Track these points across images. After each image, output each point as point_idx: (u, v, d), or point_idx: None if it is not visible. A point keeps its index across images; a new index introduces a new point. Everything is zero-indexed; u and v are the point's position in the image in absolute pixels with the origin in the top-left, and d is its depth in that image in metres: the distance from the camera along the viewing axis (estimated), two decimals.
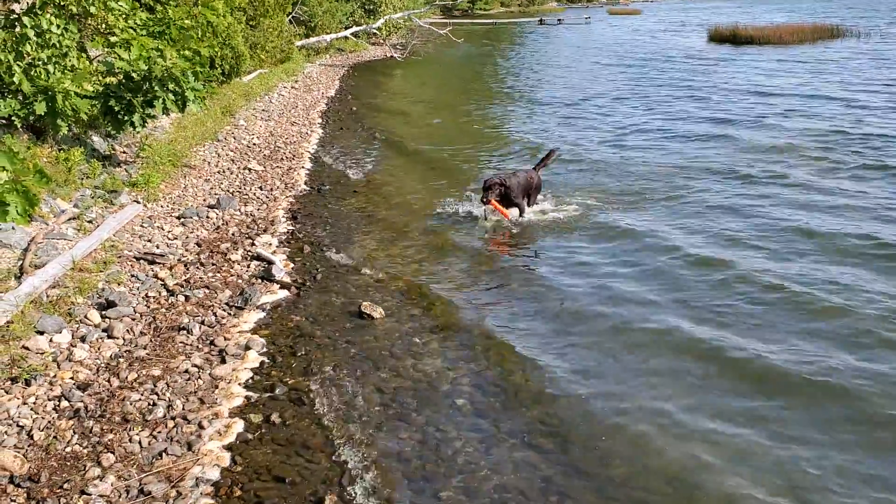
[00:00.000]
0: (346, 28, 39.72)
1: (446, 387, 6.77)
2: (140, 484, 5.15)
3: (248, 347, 7.23)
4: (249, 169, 14.11)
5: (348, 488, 5.29)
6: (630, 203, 12.08)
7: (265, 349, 7.26)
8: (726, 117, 19.22)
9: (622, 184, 13.31)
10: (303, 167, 15.02)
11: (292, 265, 9.58)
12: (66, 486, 5.06)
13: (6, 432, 5.52)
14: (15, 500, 4.87)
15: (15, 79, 10.13)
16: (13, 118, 10.28)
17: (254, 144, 16.20)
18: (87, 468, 5.25)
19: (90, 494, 4.98)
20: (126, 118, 11.16)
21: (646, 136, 17.74)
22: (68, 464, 5.30)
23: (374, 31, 42.52)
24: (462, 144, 17.54)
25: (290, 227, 11.14)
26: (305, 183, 13.87)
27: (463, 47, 44.41)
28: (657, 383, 6.74)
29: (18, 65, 10.29)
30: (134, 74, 11.02)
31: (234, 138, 16.34)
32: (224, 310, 8.03)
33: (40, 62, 10.73)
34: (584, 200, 12.11)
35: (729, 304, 8.20)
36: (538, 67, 35.32)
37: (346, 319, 8.09)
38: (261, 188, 13.03)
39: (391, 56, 38.53)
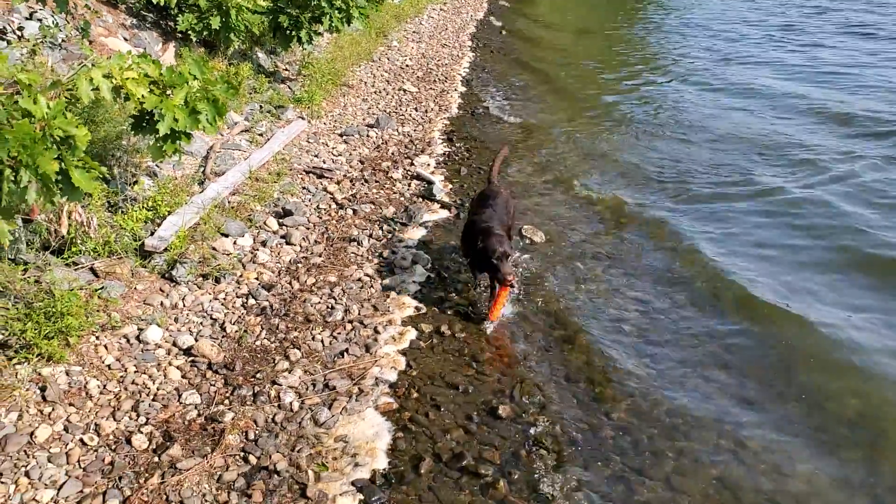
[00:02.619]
0: None
1: (612, 311, 6.74)
2: (325, 379, 5.45)
3: (414, 262, 7.42)
4: (404, 90, 14.25)
5: (520, 400, 5.40)
6: None
7: (430, 265, 7.43)
8: None
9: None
10: (455, 90, 15.03)
11: (450, 186, 9.68)
12: (258, 375, 5.41)
13: (202, 324, 5.94)
14: (214, 385, 5.26)
15: None
16: (189, 32, 10.74)
17: (407, 66, 16.31)
18: (276, 361, 5.60)
19: (280, 385, 5.32)
20: (293, 34, 11.46)
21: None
22: (259, 356, 5.66)
23: None
24: (610, 75, 17.05)
25: (447, 149, 11.22)
26: (459, 106, 13.89)
27: None
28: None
29: None
30: None
31: (388, 59, 16.48)
32: (389, 225, 8.24)
33: None
34: None
35: None
36: None
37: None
38: (416, 109, 13.15)
39: None
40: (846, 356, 6.06)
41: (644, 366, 5.95)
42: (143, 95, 5.05)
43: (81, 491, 4.12)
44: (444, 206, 8.98)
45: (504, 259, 6.19)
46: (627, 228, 8.60)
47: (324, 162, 9.83)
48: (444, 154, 11.01)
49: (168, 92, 5.23)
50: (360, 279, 6.95)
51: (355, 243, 7.66)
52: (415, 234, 8.16)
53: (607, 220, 8.84)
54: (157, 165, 7.76)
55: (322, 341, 5.92)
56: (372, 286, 6.87)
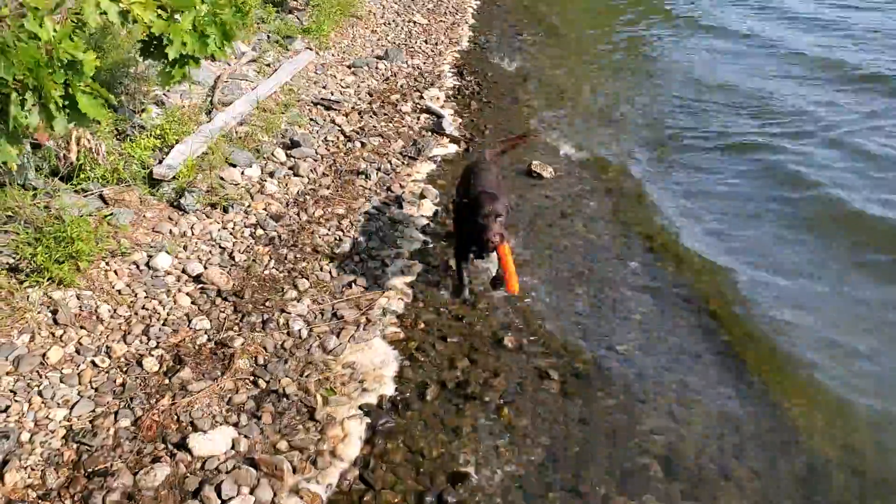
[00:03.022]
0: None
1: (619, 249, 6.75)
2: (333, 308, 5.50)
3: (422, 196, 7.41)
4: (414, 22, 14.02)
5: (526, 333, 5.46)
6: None
7: (438, 199, 7.41)
8: None
9: None
10: (466, 22, 14.81)
11: (460, 120, 9.60)
12: (267, 303, 5.46)
13: (211, 252, 5.96)
14: (223, 311, 5.31)
15: None
16: None
17: None
18: (284, 290, 5.64)
19: (289, 313, 5.37)
20: None
21: None
22: (267, 285, 5.70)
23: None
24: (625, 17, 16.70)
25: (456, 83, 11.09)
26: (469, 39, 13.68)
27: None
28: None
29: None
30: None
31: None
32: (398, 159, 8.20)
33: None
34: None
35: None
36: None
37: (516, 177, 8.12)
38: (426, 41, 12.96)
39: None
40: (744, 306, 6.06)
41: (649, 302, 5.99)
42: (150, 20, 4.97)
43: (93, 410, 4.21)
44: (453, 140, 8.92)
45: (493, 218, 5.17)
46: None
47: (332, 94, 9.73)
48: (453, 87, 10.89)
49: (176, 16, 5.15)
50: (367, 212, 6.95)
51: (363, 176, 7.63)
52: (423, 168, 8.12)
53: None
54: (164, 94, 7.69)
55: (330, 272, 5.95)
56: (380, 219, 6.87)
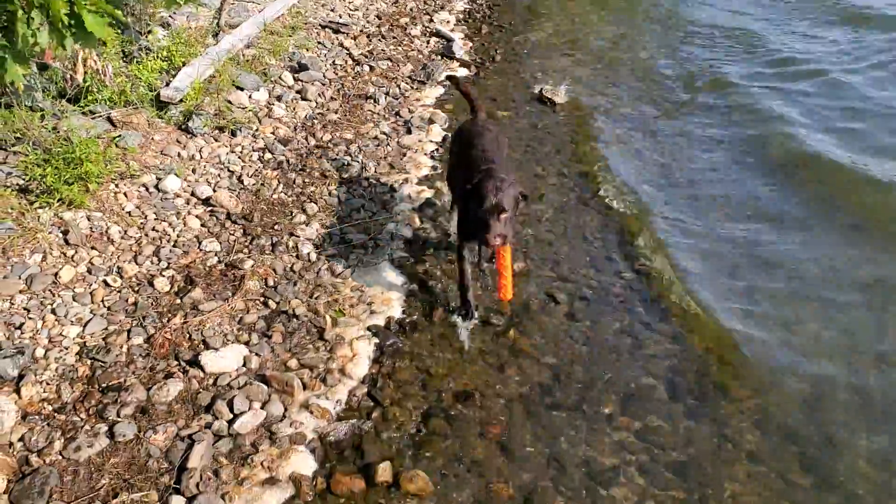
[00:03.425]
0: None
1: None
2: (341, 233, 5.52)
3: (431, 121, 7.35)
4: None
5: (534, 257, 5.48)
6: None
7: (448, 124, 7.35)
8: None
9: None
10: None
11: (470, 45, 9.45)
12: (276, 227, 5.48)
13: (219, 175, 5.96)
14: (233, 234, 5.34)
15: None
16: None
17: None
18: (293, 214, 5.66)
19: (298, 237, 5.39)
20: None
21: None
22: (276, 209, 5.72)
23: None
24: None
25: (467, 6, 10.88)
26: None
27: None
28: None
29: None
30: None
31: None
32: (407, 83, 8.10)
33: None
34: None
35: None
36: None
37: (527, 102, 8.03)
38: None
39: None
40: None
41: (660, 227, 5.99)
42: None
43: (106, 328, 4.28)
44: (463, 64, 8.80)
45: (497, 215, 4.23)
46: None
47: (340, 16, 9.57)
48: (464, 11, 10.71)
49: None
50: (376, 137, 6.91)
51: (371, 100, 7.56)
52: (432, 92, 8.04)
53: None
54: (170, 16, 7.58)
55: (338, 197, 5.95)
56: (388, 144, 6.84)
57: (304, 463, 3.68)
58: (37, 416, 3.64)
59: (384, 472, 3.68)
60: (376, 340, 4.58)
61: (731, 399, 4.36)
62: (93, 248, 4.86)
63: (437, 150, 6.88)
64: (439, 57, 8.89)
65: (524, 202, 4.49)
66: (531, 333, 4.75)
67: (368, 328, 4.67)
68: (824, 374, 4.61)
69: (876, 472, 3.94)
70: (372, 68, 8.29)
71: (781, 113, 8.03)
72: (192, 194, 5.63)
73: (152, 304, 4.53)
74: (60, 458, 3.46)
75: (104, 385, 3.89)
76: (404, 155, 6.69)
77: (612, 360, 4.61)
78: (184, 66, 6.70)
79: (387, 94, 7.77)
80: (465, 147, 5.00)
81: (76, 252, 4.77)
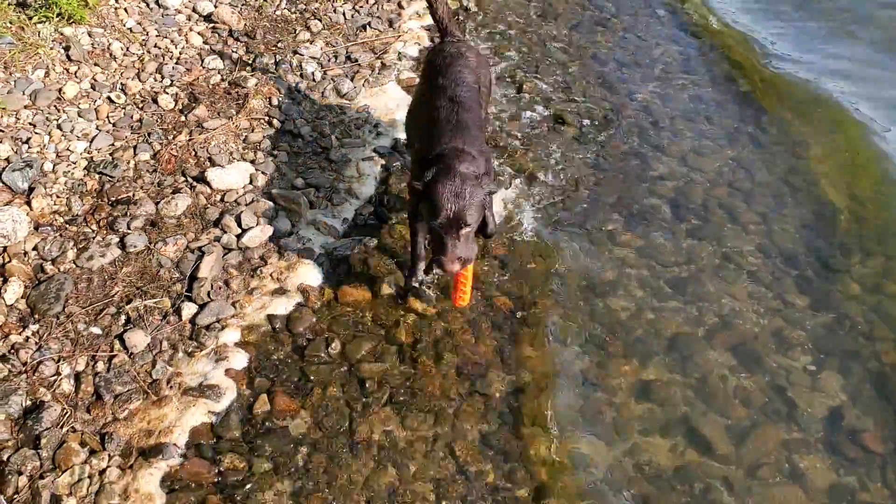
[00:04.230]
0: None
1: None
2: (347, 51, 5.38)
3: None
4: None
5: (544, 79, 5.36)
6: None
7: None
8: None
9: None
10: None
11: None
12: (279, 44, 5.34)
13: None
14: (235, 52, 5.21)
15: None
16: None
17: None
18: (297, 32, 5.49)
19: (302, 55, 5.26)
20: None
21: None
22: (279, 26, 5.55)
23: None
24: None
25: None
26: None
27: None
28: None
29: None
30: None
31: None
32: None
33: None
34: None
35: None
36: None
37: None
38: None
39: None
40: None
41: (674, 52, 5.80)
42: None
43: (112, 144, 4.27)
44: None
45: (456, 229, 3.08)
46: None
47: None
48: None
49: None
50: None
51: None
52: None
53: None
54: None
55: (344, 14, 5.75)
56: None
57: (311, 275, 3.78)
58: (49, 227, 3.72)
59: (389, 286, 3.78)
60: (382, 161, 4.57)
61: (738, 223, 4.39)
62: (95, 64, 4.78)
63: None
64: None
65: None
66: (538, 153, 4.72)
67: (374, 149, 4.65)
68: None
69: (868, 295, 4.02)
70: None
71: None
72: (194, 10, 5.45)
73: (157, 120, 4.50)
74: (74, 266, 3.56)
75: (113, 199, 3.94)
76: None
77: (617, 182, 4.61)
78: None
79: None
80: (432, 89, 3.71)
81: (79, 68, 4.70)
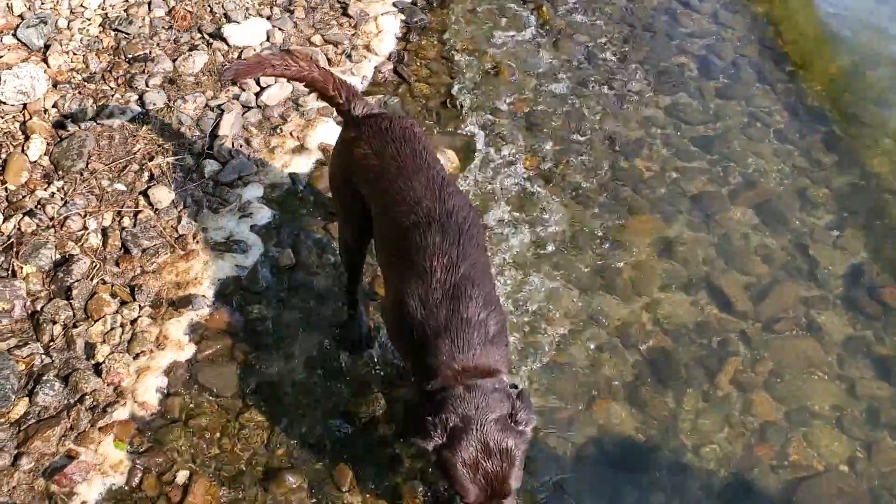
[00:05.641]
0: None
1: None
2: None
3: None
4: None
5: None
6: None
7: None
8: None
9: None
10: None
11: None
12: None
13: None
14: None
15: None
16: None
17: None
18: None
19: None
20: None
21: None
22: None
23: None
24: None
25: None
26: None
27: None
28: None
29: None
30: None
31: None
32: None
33: None
34: None
35: None
36: None
37: None
38: None
39: None
40: None
41: None
42: None
43: (126, 0, 4.17)
44: None
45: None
46: None
47: None
48: None
49: None
50: None
51: None
52: None
53: None
54: None
55: None
56: None
57: (331, 133, 3.74)
58: (67, 85, 3.68)
59: None
60: (402, 17, 4.44)
61: (765, 80, 4.26)
62: None
63: None
64: None
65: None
66: (566, 14, 4.55)
67: (394, 4, 4.51)
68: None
69: None
70: None
71: None
72: None
73: None
74: (94, 124, 3.55)
75: (130, 56, 3.87)
76: None
77: (646, 39, 4.46)
78: None
79: None
80: (389, 226, 2.36)
81: None
